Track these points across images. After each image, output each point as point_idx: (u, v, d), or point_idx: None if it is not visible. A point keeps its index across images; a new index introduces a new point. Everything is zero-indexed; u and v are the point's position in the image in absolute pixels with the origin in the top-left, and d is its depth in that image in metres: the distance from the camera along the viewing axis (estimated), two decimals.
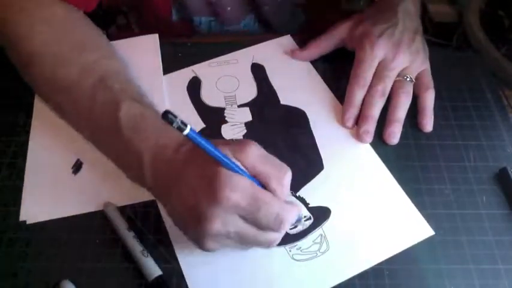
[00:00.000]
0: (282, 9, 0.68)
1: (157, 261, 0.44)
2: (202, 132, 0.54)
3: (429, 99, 0.56)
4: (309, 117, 0.56)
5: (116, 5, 0.69)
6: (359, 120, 0.54)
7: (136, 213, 0.47)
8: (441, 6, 0.68)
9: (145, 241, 0.45)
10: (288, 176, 0.40)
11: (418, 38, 0.58)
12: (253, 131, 0.54)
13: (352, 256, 0.45)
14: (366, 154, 0.52)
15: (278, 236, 0.41)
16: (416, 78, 0.57)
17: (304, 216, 0.47)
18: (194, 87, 0.59)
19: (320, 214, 0.48)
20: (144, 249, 0.44)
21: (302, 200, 0.49)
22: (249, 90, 0.58)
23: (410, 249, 0.45)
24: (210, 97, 0.58)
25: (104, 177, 0.49)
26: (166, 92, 0.57)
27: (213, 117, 0.56)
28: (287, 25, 0.72)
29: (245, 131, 0.54)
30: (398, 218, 0.48)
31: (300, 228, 0.47)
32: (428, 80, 0.57)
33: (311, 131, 0.54)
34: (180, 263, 0.44)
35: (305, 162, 0.52)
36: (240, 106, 0.57)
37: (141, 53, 0.60)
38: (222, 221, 0.37)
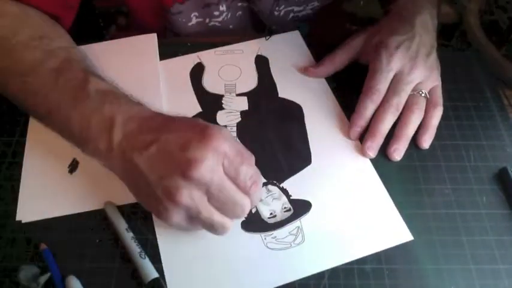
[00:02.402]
0: (288, 26, 0.67)
1: (156, 261, 0.44)
2: (197, 116, 0.55)
3: (436, 116, 0.54)
4: (305, 112, 0.56)
5: (115, 5, 0.69)
6: (367, 134, 0.52)
7: (136, 212, 0.47)
8: (441, 6, 0.68)
9: (145, 241, 0.45)
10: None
11: (433, 54, 0.56)
12: (247, 120, 0.55)
13: (325, 251, 0.45)
14: (356, 154, 0.52)
15: (248, 203, 0.42)
16: None
17: (285, 207, 0.48)
18: (197, 72, 0.60)
19: (300, 207, 0.48)
20: (142, 250, 0.44)
21: (285, 191, 0.49)
22: (250, 81, 0.59)
23: (410, 249, 0.45)
24: (211, 84, 0.59)
25: (99, 177, 0.49)
26: (165, 92, 0.57)
27: (211, 103, 0.56)
28: None
29: (239, 119, 0.55)
30: (378, 220, 0.47)
31: (278, 218, 0.47)
32: (438, 97, 0.55)
33: (304, 125, 0.55)
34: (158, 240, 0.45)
35: (293, 155, 0.52)
36: (238, 95, 0.57)
37: (139, 53, 0.60)
38: (209, 165, 0.39)
